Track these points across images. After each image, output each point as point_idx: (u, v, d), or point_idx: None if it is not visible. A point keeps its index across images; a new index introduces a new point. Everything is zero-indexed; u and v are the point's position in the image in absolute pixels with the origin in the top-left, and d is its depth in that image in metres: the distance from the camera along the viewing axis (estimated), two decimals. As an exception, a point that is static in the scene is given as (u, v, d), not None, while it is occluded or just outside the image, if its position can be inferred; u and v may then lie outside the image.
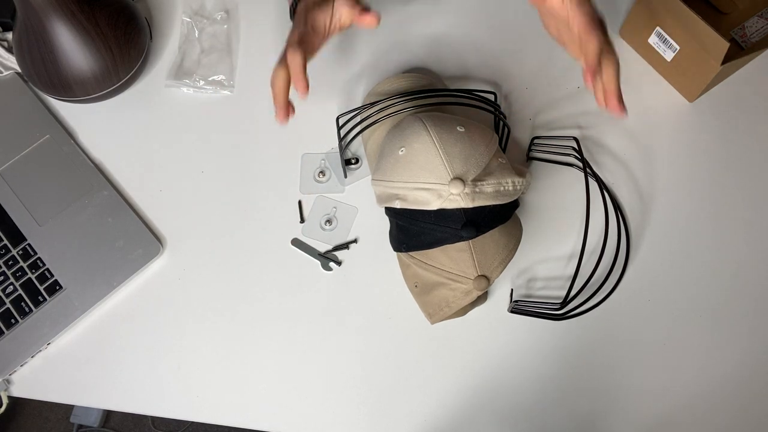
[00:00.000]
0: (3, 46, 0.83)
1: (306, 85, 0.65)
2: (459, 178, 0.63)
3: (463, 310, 0.70)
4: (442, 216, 0.64)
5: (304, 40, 0.66)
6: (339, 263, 0.75)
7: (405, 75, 0.79)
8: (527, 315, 0.71)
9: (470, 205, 0.63)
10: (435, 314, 0.67)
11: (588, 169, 0.76)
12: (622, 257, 0.74)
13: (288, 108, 0.68)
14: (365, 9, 0.67)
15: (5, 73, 0.83)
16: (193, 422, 1.30)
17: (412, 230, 0.67)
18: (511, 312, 0.71)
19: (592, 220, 0.76)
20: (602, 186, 0.73)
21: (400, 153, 0.67)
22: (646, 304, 0.73)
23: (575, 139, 0.74)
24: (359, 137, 0.79)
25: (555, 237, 0.76)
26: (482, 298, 0.71)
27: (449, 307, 0.66)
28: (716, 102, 0.81)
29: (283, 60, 0.66)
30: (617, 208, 0.76)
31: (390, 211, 0.70)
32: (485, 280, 0.64)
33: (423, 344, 0.72)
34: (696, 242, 0.75)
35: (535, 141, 0.79)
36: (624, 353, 0.71)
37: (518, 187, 0.67)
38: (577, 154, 0.77)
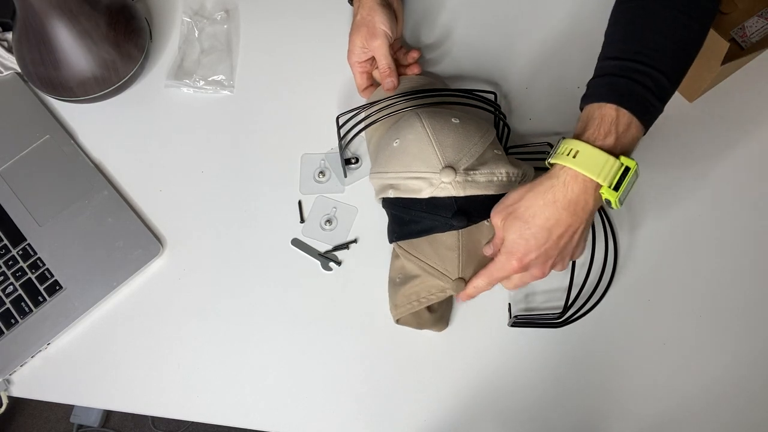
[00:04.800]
0: (3, 46, 0.83)
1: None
2: (450, 167, 0.63)
3: (423, 321, 0.69)
4: (433, 204, 0.65)
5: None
6: (339, 263, 0.75)
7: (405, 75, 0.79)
8: (528, 326, 0.71)
9: (461, 194, 0.63)
10: (401, 306, 0.67)
11: None
12: (611, 258, 0.74)
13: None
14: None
15: (5, 73, 0.83)
16: (193, 422, 1.30)
17: (404, 219, 0.67)
18: (512, 326, 0.71)
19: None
20: None
21: (395, 145, 0.67)
22: (646, 305, 0.73)
23: (550, 144, 0.75)
24: (362, 136, 0.79)
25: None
26: (443, 323, 0.70)
27: (419, 302, 0.66)
28: (716, 102, 0.81)
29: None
30: (600, 210, 0.76)
31: (385, 202, 0.70)
32: (463, 282, 0.65)
33: (423, 344, 0.72)
34: (695, 242, 0.75)
35: (511, 150, 0.77)
36: (624, 354, 0.71)
37: (513, 178, 0.67)
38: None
